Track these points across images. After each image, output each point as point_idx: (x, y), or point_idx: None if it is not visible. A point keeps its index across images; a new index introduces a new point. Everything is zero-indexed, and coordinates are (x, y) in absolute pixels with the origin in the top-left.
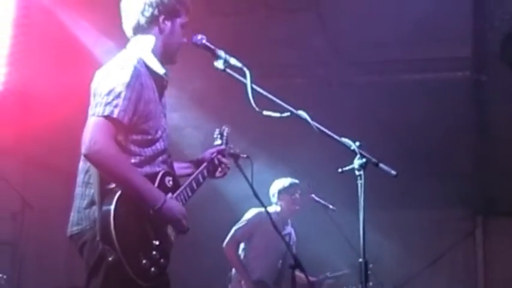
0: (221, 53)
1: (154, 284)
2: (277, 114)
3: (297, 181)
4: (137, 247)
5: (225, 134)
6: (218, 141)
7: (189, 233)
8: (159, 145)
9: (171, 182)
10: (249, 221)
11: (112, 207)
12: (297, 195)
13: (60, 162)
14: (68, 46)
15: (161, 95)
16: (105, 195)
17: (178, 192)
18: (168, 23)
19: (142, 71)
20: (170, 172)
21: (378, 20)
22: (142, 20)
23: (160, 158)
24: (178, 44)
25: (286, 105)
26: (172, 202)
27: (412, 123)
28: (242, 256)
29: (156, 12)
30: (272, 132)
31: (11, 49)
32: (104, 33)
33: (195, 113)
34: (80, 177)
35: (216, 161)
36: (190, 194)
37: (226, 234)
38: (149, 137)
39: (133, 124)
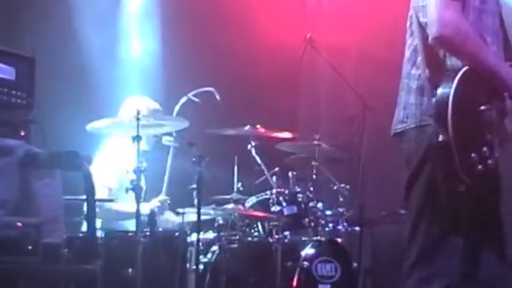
0: None
1: (475, 182)
2: None
3: None
4: (470, 136)
5: None
6: None
7: None
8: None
9: None
10: None
11: (452, 88)
12: None
13: (386, 55)
14: None
15: None
16: (442, 78)
17: None
18: None
19: None
20: None
21: None
22: None
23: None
24: None
25: None
26: None
27: None
28: None
29: None
30: None
31: None
32: None
33: None
34: (406, 68)
35: None
36: None
37: None
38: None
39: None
